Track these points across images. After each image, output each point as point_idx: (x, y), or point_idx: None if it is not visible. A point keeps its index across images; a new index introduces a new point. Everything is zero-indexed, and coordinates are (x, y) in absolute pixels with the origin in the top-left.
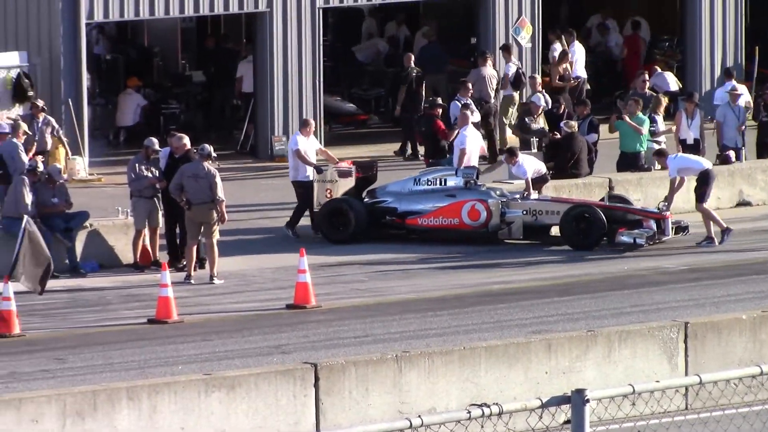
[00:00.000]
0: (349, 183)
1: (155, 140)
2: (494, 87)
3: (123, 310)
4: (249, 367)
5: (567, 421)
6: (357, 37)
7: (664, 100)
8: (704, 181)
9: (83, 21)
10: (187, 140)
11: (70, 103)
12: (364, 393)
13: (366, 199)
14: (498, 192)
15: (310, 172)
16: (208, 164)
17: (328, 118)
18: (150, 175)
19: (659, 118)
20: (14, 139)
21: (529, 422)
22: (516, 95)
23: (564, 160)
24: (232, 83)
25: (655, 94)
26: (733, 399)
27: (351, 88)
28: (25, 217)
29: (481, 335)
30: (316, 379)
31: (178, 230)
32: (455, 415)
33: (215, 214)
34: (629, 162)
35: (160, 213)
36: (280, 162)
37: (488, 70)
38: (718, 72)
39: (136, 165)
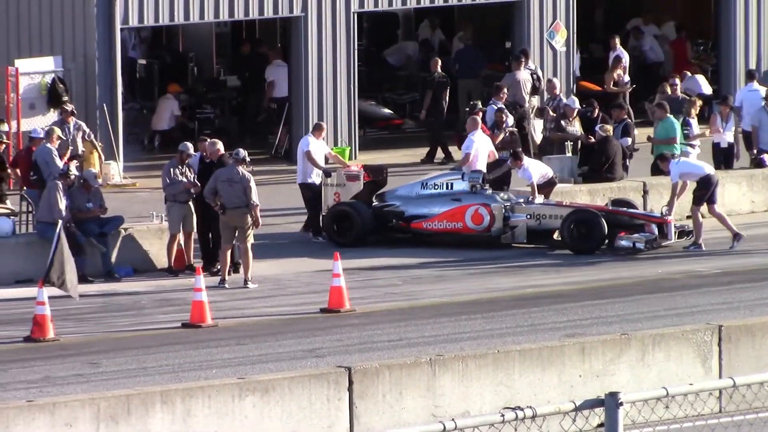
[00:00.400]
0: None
1: (190, 145)
2: (528, 91)
3: (157, 314)
4: (283, 370)
5: (601, 425)
6: (392, 41)
7: (698, 103)
8: (704, 186)
9: (118, 26)
10: (220, 145)
11: (105, 108)
12: (397, 397)
13: (375, 203)
14: (503, 196)
15: (317, 176)
16: (242, 169)
17: (362, 123)
18: (185, 180)
19: (693, 122)
20: (48, 144)
21: (562, 425)
22: (535, 100)
23: (598, 163)
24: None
25: (688, 98)
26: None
27: (386, 93)
28: (60, 222)
29: (515, 339)
30: (350, 382)
31: (211, 235)
32: (489, 418)
33: (249, 219)
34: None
35: (194, 217)
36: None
37: (522, 74)
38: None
39: (171, 169)
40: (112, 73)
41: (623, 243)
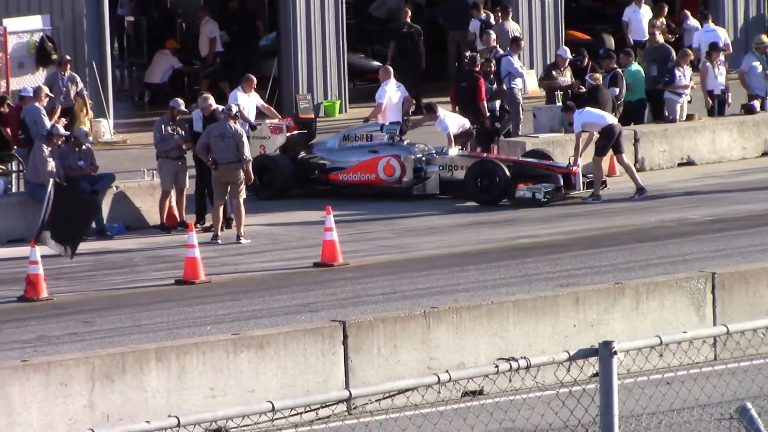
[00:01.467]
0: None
1: (181, 101)
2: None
3: (150, 271)
4: (277, 326)
5: (595, 374)
6: None
7: (689, 54)
8: (606, 136)
9: None
10: (212, 100)
11: (94, 66)
12: (392, 350)
13: (302, 155)
14: (422, 148)
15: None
16: (234, 124)
17: (352, 76)
18: (176, 135)
19: (683, 71)
20: (36, 103)
21: (557, 375)
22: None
23: None
24: (255, 43)
25: (683, 48)
26: (761, 349)
27: (374, 46)
28: (51, 180)
29: (509, 289)
30: (345, 336)
31: (207, 191)
32: (483, 369)
33: (242, 174)
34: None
35: (186, 174)
36: (304, 118)
37: (510, 25)
38: (741, 22)
39: (162, 126)
40: (101, 31)
41: (522, 194)
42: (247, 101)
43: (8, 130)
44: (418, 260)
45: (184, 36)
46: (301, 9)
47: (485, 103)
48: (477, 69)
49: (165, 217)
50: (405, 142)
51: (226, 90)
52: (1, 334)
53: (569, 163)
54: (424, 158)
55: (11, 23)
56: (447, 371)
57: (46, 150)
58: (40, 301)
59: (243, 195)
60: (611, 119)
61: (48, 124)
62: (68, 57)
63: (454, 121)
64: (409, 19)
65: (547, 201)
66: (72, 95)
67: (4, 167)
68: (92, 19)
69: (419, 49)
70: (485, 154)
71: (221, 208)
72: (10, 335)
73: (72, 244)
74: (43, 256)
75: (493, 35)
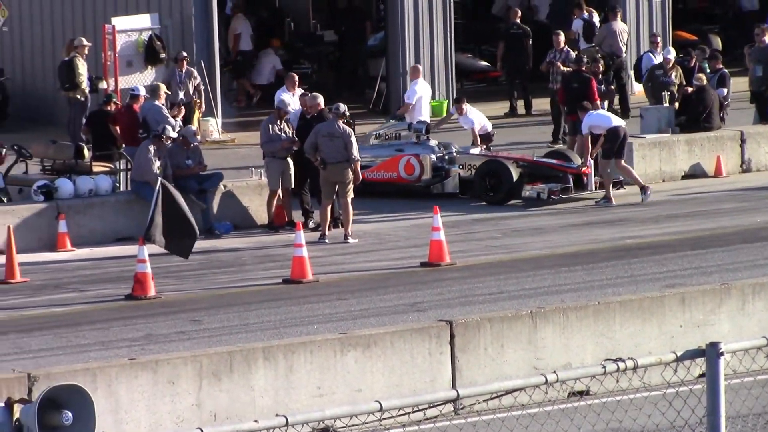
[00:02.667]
0: None
1: (288, 101)
2: (625, 41)
3: (258, 270)
4: (384, 325)
5: (702, 375)
6: None
7: None
8: (610, 138)
9: None
10: (321, 99)
11: (202, 65)
12: (499, 349)
13: None
14: (443, 147)
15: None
16: (342, 123)
17: (459, 76)
18: (284, 136)
19: None
20: (156, 102)
21: (663, 376)
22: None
23: (696, 113)
24: (363, 42)
25: None
26: None
27: (482, 45)
28: (160, 179)
29: (615, 290)
30: (452, 336)
31: (310, 190)
32: (590, 370)
33: (350, 174)
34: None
35: (292, 173)
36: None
37: (619, 25)
38: None
39: (269, 126)
40: (209, 30)
41: (528, 193)
42: (292, 100)
43: (117, 128)
44: (524, 260)
45: (292, 35)
46: (409, 8)
47: (598, 103)
48: (586, 69)
49: (273, 216)
50: (430, 141)
51: (247, 86)
52: (109, 332)
53: (581, 164)
54: (446, 157)
55: (120, 22)
56: (554, 371)
57: (152, 149)
58: (147, 299)
59: (351, 194)
60: (617, 122)
61: (173, 121)
62: (184, 53)
63: (479, 119)
64: (518, 20)
65: (551, 200)
66: (191, 90)
67: (111, 166)
68: (201, 18)
69: (527, 50)
70: (499, 154)
71: (329, 208)
72: (118, 333)
73: (183, 243)
74: (151, 255)
75: (562, 36)
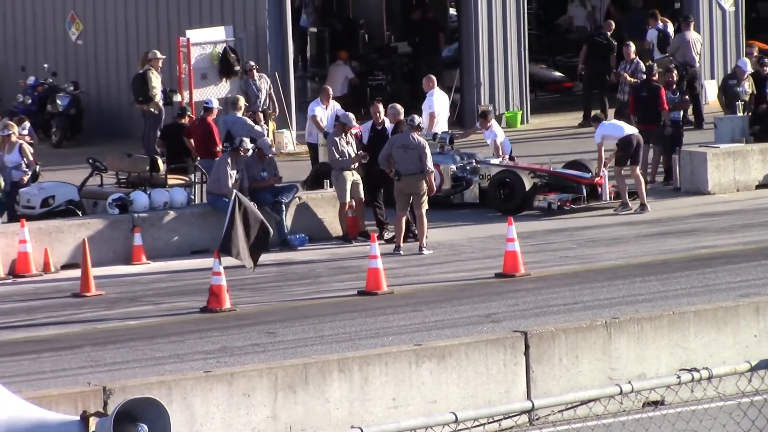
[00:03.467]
0: None
1: (352, 116)
2: (698, 51)
3: (333, 282)
4: (459, 336)
5: None
6: (561, 5)
7: None
8: (622, 147)
9: None
10: (401, 110)
11: (277, 77)
12: (573, 360)
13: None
14: (467, 157)
15: (321, 137)
16: (417, 135)
17: (533, 86)
18: (350, 149)
19: None
20: (237, 114)
21: (738, 386)
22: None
23: None
24: (437, 53)
25: None
26: None
27: (556, 56)
28: (235, 191)
29: (690, 300)
30: (527, 347)
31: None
32: (665, 380)
33: (424, 185)
34: None
35: (361, 184)
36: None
37: (692, 35)
38: None
39: (336, 140)
40: (283, 42)
41: (539, 203)
42: (325, 113)
43: (191, 141)
44: (599, 271)
45: (367, 47)
46: (483, 20)
47: (667, 111)
48: (655, 78)
49: (346, 227)
50: (453, 151)
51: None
52: (184, 344)
53: (594, 173)
54: (467, 168)
55: (194, 35)
56: (629, 382)
57: (230, 162)
58: (223, 311)
59: (425, 206)
60: (629, 130)
61: (260, 129)
62: (252, 63)
63: (501, 134)
64: (609, 32)
65: (561, 210)
66: (264, 97)
67: (186, 178)
68: (275, 31)
69: (608, 62)
70: (517, 164)
71: (404, 219)
72: (193, 346)
73: (254, 255)
74: (226, 267)
75: (632, 47)
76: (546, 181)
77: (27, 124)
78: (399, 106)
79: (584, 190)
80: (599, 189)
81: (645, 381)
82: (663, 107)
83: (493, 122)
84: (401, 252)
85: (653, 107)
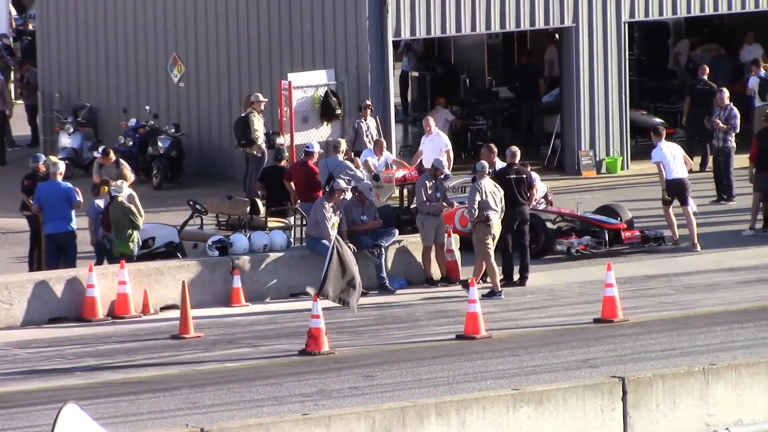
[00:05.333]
0: None
1: (444, 161)
2: None
3: (431, 326)
4: (557, 381)
5: None
6: (663, 51)
7: None
8: (669, 189)
9: (390, 38)
10: (517, 152)
11: (378, 120)
12: (671, 406)
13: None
14: None
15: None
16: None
17: (634, 132)
18: (438, 194)
19: None
20: (339, 156)
21: None
22: None
23: None
24: (538, 99)
25: None
26: None
27: (657, 102)
28: (335, 235)
29: None
30: (624, 392)
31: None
32: (763, 426)
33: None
34: None
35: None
36: (587, 176)
37: None
38: None
39: (426, 183)
40: (385, 86)
41: (559, 247)
42: (378, 163)
43: (291, 184)
44: (697, 317)
45: (468, 91)
46: (584, 65)
47: None
48: None
49: (444, 270)
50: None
51: None
52: (282, 387)
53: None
54: None
55: (296, 78)
56: (727, 428)
57: (328, 206)
58: (321, 354)
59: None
60: (679, 173)
61: (362, 175)
62: (368, 102)
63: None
64: (706, 77)
65: (580, 255)
66: (368, 140)
67: (286, 221)
68: (377, 74)
69: (712, 107)
70: (548, 208)
71: (494, 261)
72: (291, 389)
73: (352, 297)
74: (325, 310)
75: (726, 93)
76: (572, 225)
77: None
78: (515, 148)
79: (606, 235)
80: (623, 234)
81: (742, 427)
82: None
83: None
84: (502, 296)
85: None
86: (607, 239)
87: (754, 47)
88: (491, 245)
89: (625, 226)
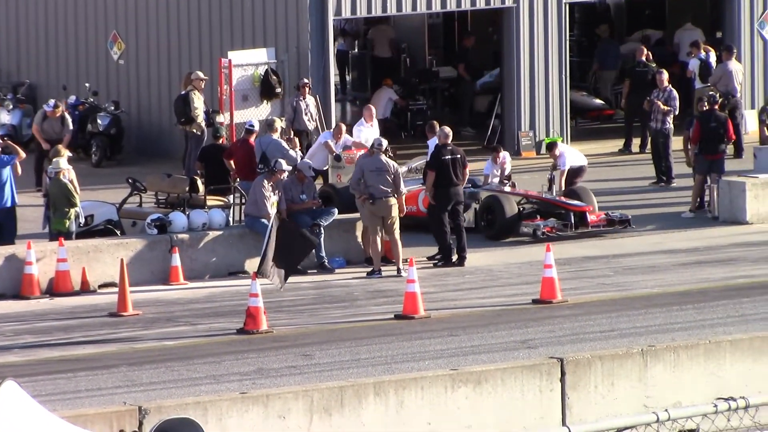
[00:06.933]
0: None
1: (367, 134)
2: (740, 81)
3: (370, 305)
4: (495, 362)
5: None
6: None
7: None
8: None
9: (331, 17)
10: (449, 133)
11: (317, 99)
12: (609, 387)
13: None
14: (468, 183)
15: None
16: (387, 157)
17: (574, 114)
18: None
19: None
20: (273, 135)
21: None
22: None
23: None
24: (478, 79)
25: None
26: None
27: (597, 84)
28: (274, 214)
29: (726, 329)
30: (562, 373)
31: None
32: (702, 408)
33: (396, 208)
34: None
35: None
36: (527, 156)
37: (734, 65)
38: None
39: (264, 184)
40: (325, 65)
41: (524, 229)
42: (370, 132)
43: (231, 162)
44: (636, 298)
45: (409, 71)
46: (525, 45)
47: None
48: (717, 109)
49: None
50: None
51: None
52: (220, 365)
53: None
54: (466, 192)
55: (236, 56)
56: (666, 409)
57: (267, 184)
58: (259, 333)
59: (398, 229)
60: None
61: (295, 154)
62: (306, 80)
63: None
64: (644, 58)
65: (546, 237)
66: (314, 118)
67: (225, 200)
68: (317, 53)
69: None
70: (500, 190)
71: (379, 242)
72: (229, 367)
73: (285, 275)
74: (263, 289)
75: (665, 75)
76: (536, 207)
77: None
78: (448, 129)
79: (572, 218)
80: (587, 216)
81: (681, 409)
82: (731, 137)
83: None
84: (381, 275)
85: (721, 138)
86: (573, 222)
87: (689, 30)
88: (373, 226)
89: (591, 209)
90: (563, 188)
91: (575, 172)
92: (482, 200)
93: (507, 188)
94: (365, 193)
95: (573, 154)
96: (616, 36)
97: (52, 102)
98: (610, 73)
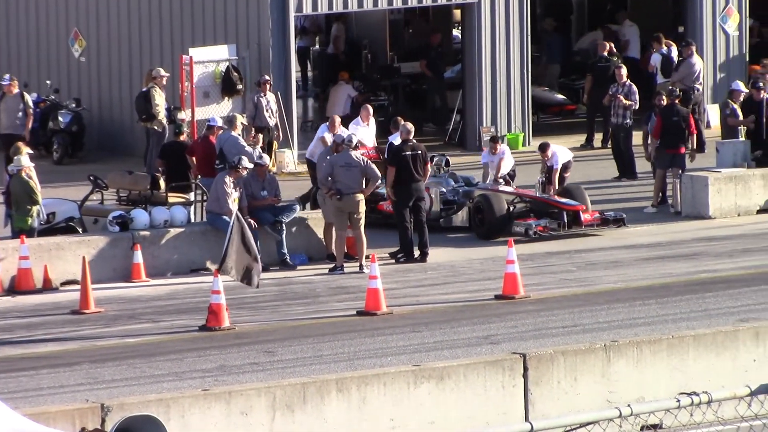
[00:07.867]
0: None
1: (363, 133)
2: (702, 76)
3: (332, 302)
4: (458, 357)
5: None
6: (565, 26)
7: None
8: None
9: (292, 14)
10: (411, 129)
11: (279, 96)
12: (572, 382)
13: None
14: (462, 180)
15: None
16: (358, 153)
17: (536, 109)
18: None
19: None
20: (233, 132)
21: (737, 410)
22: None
23: None
24: (441, 76)
25: None
26: None
27: (559, 79)
28: (235, 211)
29: (689, 324)
30: (525, 369)
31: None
32: (665, 403)
33: (363, 205)
34: None
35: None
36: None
37: (696, 60)
38: None
39: (226, 180)
40: (286, 61)
41: (517, 229)
42: (366, 131)
43: (193, 159)
44: (599, 294)
45: (370, 68)
46: (486, 41)
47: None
48: (678, 103)
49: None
50: (447, 174)
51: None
52: (182, 362)
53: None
54: (459, 191)
55: (197, 53)
56: (629, 405)
57: (228, 181)
58: (221, 330)
59: (363, 225)
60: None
61: (250, 151)
62: (267, 77)
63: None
64: (606, 53)
65: (538, 236)
66: (274, 115)
67: (186, 197)
68: (278, 50)
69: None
70: (494, 188)
71: (344, 238)
72: (192, 364)
73: (252, 274)
74: (225, 286)
75: (624, 70)
76: (529, 206)
77: None
78: (410, 125)
79: (565, 217)
80: (580, 216)
81: (644, 404)
82: (693, 132)
83: (504, 147)
84: (343, 271)
85: (682, 132)
86: (566, 221)
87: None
88: (339, 222)
89: (584, 208)
90: (557, 187)
91: (564, 167)
92: (477, 199)
93: (501, 187)
94: (333, 189)
95: (562, 151)
96: (576, 30)
97: (7, 76)
98: (555, 67)
